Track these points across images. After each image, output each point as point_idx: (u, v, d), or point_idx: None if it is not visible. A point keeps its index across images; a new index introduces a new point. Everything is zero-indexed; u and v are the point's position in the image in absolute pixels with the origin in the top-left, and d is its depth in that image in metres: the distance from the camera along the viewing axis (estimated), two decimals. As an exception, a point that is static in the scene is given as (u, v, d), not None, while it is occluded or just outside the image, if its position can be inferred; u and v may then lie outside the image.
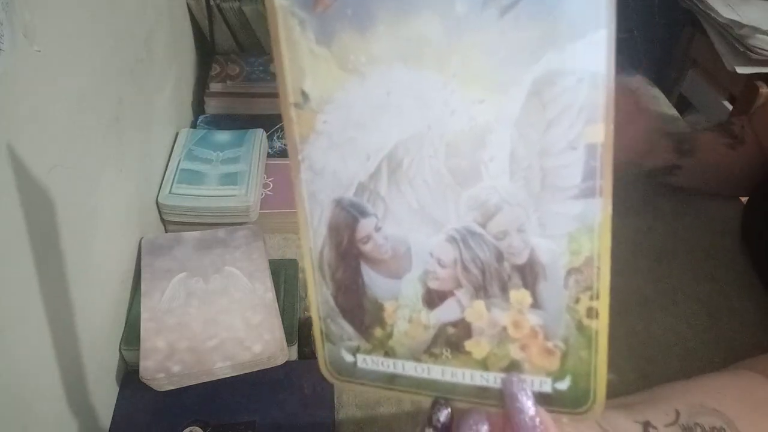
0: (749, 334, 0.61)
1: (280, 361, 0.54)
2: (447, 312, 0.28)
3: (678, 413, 0.40)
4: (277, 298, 0.58)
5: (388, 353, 0.29)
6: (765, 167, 0.71)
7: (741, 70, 1.05)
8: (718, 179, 0.74)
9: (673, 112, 0.99)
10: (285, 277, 0.62)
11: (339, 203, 0.27)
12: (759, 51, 1.02)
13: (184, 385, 0.52)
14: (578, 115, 0.23)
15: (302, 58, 0.25)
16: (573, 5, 0.22)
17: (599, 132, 0.23)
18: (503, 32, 0.22)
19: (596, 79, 0.22)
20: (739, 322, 0.62)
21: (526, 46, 0.22)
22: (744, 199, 0.76)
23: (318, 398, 0.53)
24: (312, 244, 0.29)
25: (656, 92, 1.03)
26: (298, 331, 0.57)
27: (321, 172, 0.27)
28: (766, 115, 0.74)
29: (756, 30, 1.03)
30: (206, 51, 0.95)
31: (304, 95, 0.25)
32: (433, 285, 0.28)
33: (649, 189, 0.76)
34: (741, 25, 1.04)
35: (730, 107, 1.14)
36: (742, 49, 1.04)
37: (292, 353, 0.56)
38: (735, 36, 1.05)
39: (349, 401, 0.54)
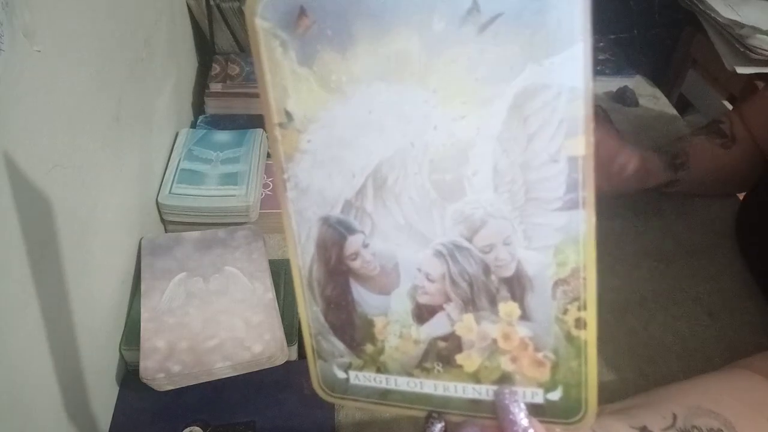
0: (749, 334, 0.61)
1: (280, 361, 0.54)
2: (437, 326, 0.28)
3: (675, 416, 0.40)
4: (277, 298, 0.58)
5: (380, 369, 0.30)
6: (759, 164, 0.71)
7: (741, 70, 1.04)
8: (715, 181, 0.74)
9: (673, 112, 0.99)
10: (285, 277, 0.62)
11: (326, 221, 0.27)
12: (759, 51, 1.02)
13: (184, 385, 0.52)
14: (558, 128, 0.23)
15: (285, 79, 0.25)
16: (550, 21, 0.22)
17: (580, 144, 0.23)
18: (482, 48, 0.22)
19: (575, 92, 0.22)
20: (738, 322, 0.62)
21: (505, 61, 0.23)
22: (742, 196, 0.76)
23: (318, 398, 0.53)
24: (300, 262, 0.29)
25: (656, 92, 1.03)
26: (298, 331, 0.57)
27: (307, 190, 0.27)
28: (756, 108, 0.74)
29: (756, 30, 1.02)
30: (206, 51, 0.95)
31: (288, 115, 0.26)
32: (422, 300, 0.28)
33: (648, 190, 0.76)
34: (741, 25, 1.04)
35: (730, 107, 1.14)
36: (742, 49, 1.04)
37: (292, 353, 0.56)
38: (735, 36, 1.05)
39: (348, 401, 0.54)
